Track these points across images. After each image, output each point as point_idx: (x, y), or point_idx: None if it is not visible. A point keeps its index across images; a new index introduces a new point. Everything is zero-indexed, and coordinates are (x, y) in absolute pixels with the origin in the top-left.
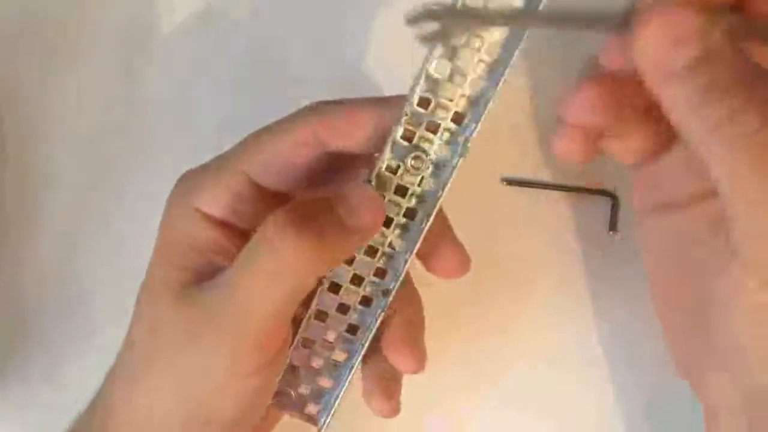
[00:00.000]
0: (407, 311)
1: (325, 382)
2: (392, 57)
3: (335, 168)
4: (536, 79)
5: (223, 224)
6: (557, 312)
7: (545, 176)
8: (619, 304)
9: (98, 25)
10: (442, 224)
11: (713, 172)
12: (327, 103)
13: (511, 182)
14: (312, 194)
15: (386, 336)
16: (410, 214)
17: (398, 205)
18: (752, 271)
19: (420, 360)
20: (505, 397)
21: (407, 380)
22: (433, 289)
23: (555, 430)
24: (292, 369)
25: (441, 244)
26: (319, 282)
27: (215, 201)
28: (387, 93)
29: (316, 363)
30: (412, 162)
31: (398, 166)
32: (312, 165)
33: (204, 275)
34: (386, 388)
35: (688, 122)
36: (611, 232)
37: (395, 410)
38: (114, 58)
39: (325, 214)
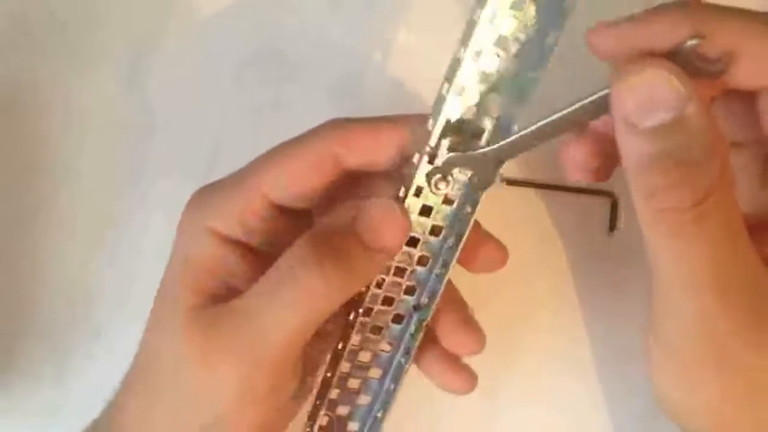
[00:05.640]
0: (449, 296)
1: (364, 400)
2: (392, 56)
3: (353, 182)
4: None
5: (238, 244)
6: (556, 312)
7: (545, 176)
8: (618, 305)
9: (101, 27)
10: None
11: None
12: (345, 121)
13: (511, 182)
14: (331, 213)
15: (440, 326)
16: (437, 231)
17: (423, 225)
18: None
19: (481, 338)
20: (504, 397)
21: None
22: None
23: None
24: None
25: (476, 243)
26: (355, 314)
27: (230, 220)
28: (387, 93)
29: (353, 384)
30: (438, 184)
31: (422, 189)
32: (330, 182)
33: (218, 297)
34: (460, 369)
35: (630, 180)
36: (611, 232)
37: (475, 380)
38: (117, 59)
39: (347, 238)
